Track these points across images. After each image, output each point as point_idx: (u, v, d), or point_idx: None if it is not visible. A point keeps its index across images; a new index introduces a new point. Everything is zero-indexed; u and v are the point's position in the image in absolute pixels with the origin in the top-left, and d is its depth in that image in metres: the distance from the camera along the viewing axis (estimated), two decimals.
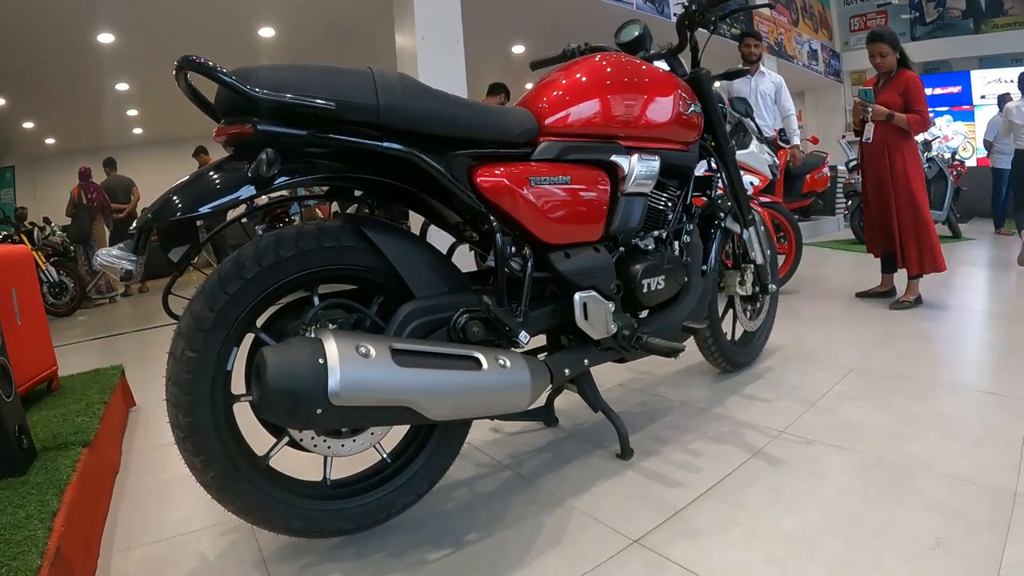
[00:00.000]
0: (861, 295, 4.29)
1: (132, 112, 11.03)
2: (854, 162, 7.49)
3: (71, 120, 10.57)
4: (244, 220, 1.85)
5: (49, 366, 2.70)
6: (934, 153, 7.80)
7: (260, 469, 1.48)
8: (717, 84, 2.50)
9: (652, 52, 2.29)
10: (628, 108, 1.96)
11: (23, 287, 2.59)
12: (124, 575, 1.59)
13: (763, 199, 4.24)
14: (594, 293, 1.85)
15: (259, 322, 1.50)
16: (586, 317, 1.83)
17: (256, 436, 1.52)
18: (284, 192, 1.68)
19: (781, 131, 5.95)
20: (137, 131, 12.37)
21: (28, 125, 10.86)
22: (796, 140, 5.57)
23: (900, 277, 4.08)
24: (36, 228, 7.62)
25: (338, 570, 1.54)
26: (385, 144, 1.42)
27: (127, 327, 5.66)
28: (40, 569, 1.28)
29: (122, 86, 9.16)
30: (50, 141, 12.09)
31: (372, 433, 1.55)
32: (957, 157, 9.30)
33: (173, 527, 1.80)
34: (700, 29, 2.32)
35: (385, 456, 1.66)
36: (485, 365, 1.45)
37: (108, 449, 2.25)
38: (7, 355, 1.98)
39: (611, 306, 1.90)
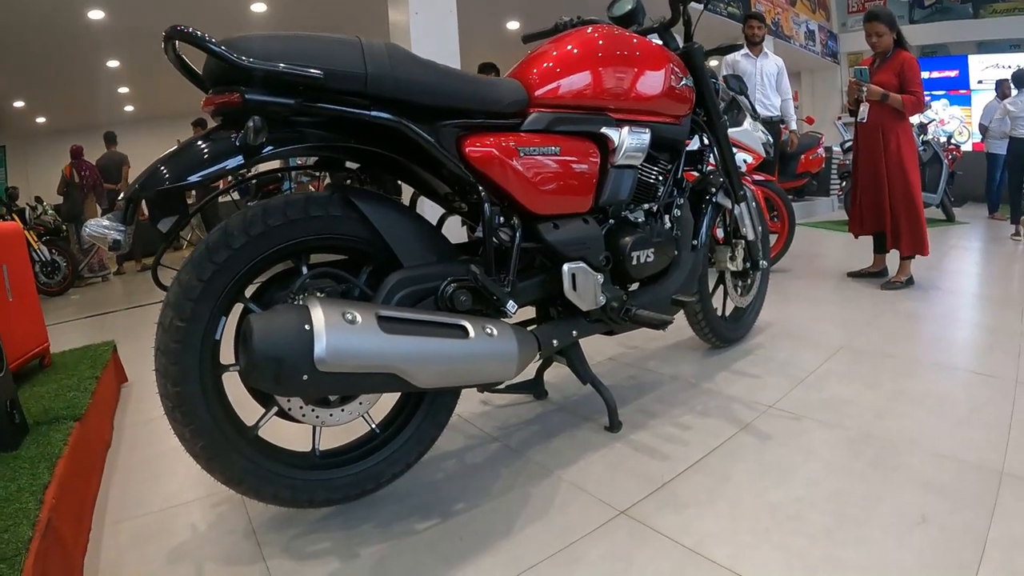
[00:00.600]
0: (853, 275, 4.28)
1: (123, 89, 10.94)
2: (849, 143, 7.47)
3: (62, 98, 10.46)
4: (236, 197, 1.84)
5: (41, 343, 2.69)
6: (930, 136, 7.78)
7: (249, 439, 1.49)
8: (713, 62, 2.49)
9: (645, 26, 2.28)
10: (619, 80, 1.95)
11: (14, 264, 2.57)
12: (116, 547, 1.59)
13: (756, 177, 4.24)
14: (583, 264, 1.85)
15: (247, 292, 1.50)
16: (574, 288, 1.83)
17: (245, 407, 1.53)
18: (276, 164, 1.67)
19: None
20: (128, 108, 12.27)
21: (19, 104, 10.76)
22: (793, 124, 5.60)
23: (892, 258, 4.08)
24: (28, 207, 7.59)
25: (326, 540, 1.55)
26: (373, 113, 1.42)
27: (119, 305, 5.64)
28: (31, 540, 1.28)
29: (113, 63, 9.08)
30: (41, 120, 11.99)
31: (360, 403, 1.55)
32: (953, 141, 9.28)
33: (164, 499, 1.81)
34: (693, 3, 2.31)
35: (374, 427, 1.67)
36: (472, 333, 1.45)
37: (100, 423, 2.26)
38: None
39: (600, 278, 1.90)
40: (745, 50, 5.43)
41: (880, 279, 4.09)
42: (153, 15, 6.71)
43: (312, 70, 1.31)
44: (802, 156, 6.01)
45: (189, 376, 1.37)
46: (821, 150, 6.31)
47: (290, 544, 1.55)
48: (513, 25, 9.29)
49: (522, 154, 1.70)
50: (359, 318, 1.28)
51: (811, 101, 13.28)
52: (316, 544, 1.54)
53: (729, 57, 5.46)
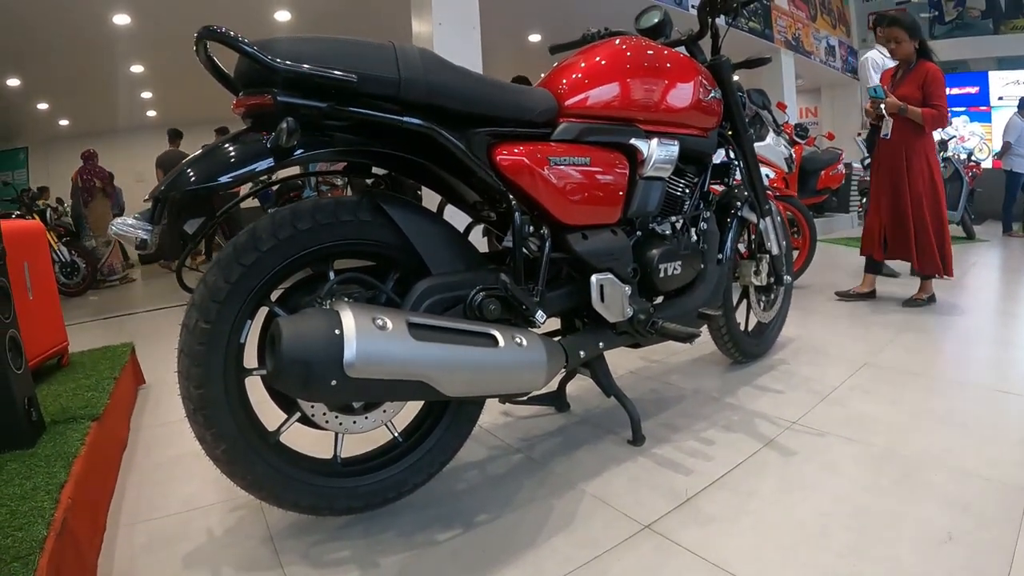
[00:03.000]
0: (841, 296, 4.12)
1: (146, 95, 11.02)
2: (869, 159, 7.42)
3: (85, 102, 10.54)
4: (261, 205, 1.83)
5: (60, 342, 2.70)
6: (950, 153, 7.72)
7: (271, 444, 1.48)
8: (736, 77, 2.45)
9: (672, 38, 2.27)
10: (648, 92, 1.94)
11: (35, 262, 2.59)
12: (131, 549, 1.58)
13: (778, 193, 4.21)
14: (611, 276, 1.84)
15: (273, 297, 1.49)
16: (602, 299, 1.82)
17: (267, 414, 1.52)
18: (296, 169, 1.66)
19: (797, 126, 5.90)
20: (151, 114, 12.36)
21: (42, 106, 10.86)
22: None
23: (901, 278, 4.02)
24: (49, 208, 7.64)
25: (346, 548, 1.54)
26: (405, 119, 1.41)
27: (138, 307, 5.67)
28: (46, 540, 1.27)
29: (136, 68, 9.15)
30: (64, 123, 12.09)
31: (384, 411, 1.54)
32: (973, 158, 9.21)
33: (181, 503, 1.80)
34: (721, 16, 2.30)
35: (396, 435, 1.66)
36: (502, 343, 1.44)
37: (117, 424, 2.25)
38: (19, 328, 1.98)
39: (628, 289, 1.89)
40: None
41: (870, 300, 4.02)
42: (177, 21, 6.78)
43: (345, 73, 1.30)
44: (822, 172, 5.95)
45: (212, 379, 1.36)
46: (841, 166, 6.24)
47: (309, 551, 1.53)
48: (535, 38, 9.33)
49: (552, 163, 1.69)
50: (390, 324, 1.27)
51: (831, 117, 13.27)
52: (336, 552, 1.52)
53: (879, 58, 4.94)
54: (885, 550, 1.41)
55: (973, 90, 12.16)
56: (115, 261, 8.04)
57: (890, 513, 1.56)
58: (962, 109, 12.10)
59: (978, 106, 12.15)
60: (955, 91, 12.08)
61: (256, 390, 1.48)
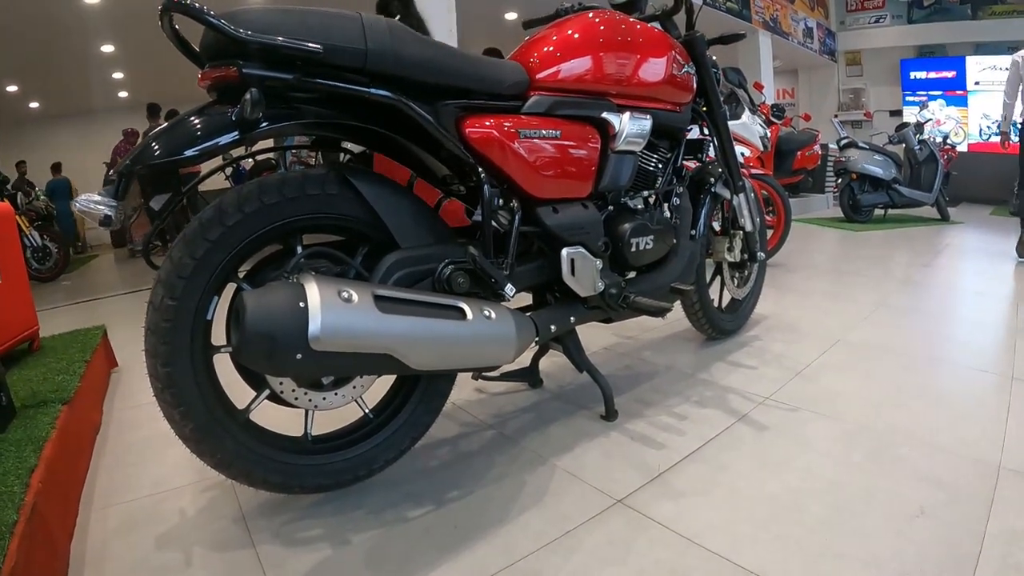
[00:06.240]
0: None
1: (117, 75, 10.84)
2: (845, 140, 7.48)
3: (56, 83, 10.36)
4: (228, 176, 1.81)
5: (30, 326, 2.66)
6: (926, 136, 7.80)
7: (240, 422, 1.46)
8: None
9: (647, 13, 2.26)
10: (620, 65, 1.93)
11: (4, 245, 2.54)
12: (103, 533, 1.57)
13: (754, 171, 4.22)
14: (582, 249, 1.84)
15: (240, 272, 1.47)
16: (573, 273, 1.82)
17: (237, 391, 1.50)
18: (269, 143, 1.64)
19: (774, 106, 5.92)
20: (123, 94, 12.15)
21: (11, 88, 10.65)
22: None
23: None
24: (19, 193, 7.52)
25: (318, 526, 1.53)
26: (372, 90, 1.39)
27: (112, 291, 5.60)
28: (16, 524, 1.25)
29: (107, 48, 9.00)
30: (34, 105, 11.87)
31: (354, 386, 1.53)
32: (948, 142, 9.28)
33: (153, 484, 1.78)
34: None
35: (367, 411, 1.65)
36: (470, 315, 1.43)
37: (89, 408, 2.23)
38: None
39: (599, 263, 1.89)
40: None
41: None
42: None
43: (311, 44, 1.28)
44: (798, 153, 5.99)
45: (179, 356, 1.34)
46: (817, 147, 6.28)
47: (281, 530, 1.52)
48: (511, 16, 9.25)
49: (522, 136, 1.68)
50: (355, 296, 1.26)
51: (808, 98, 13.34)
52: (307, 530, 1.52)
53: None
54: (857, 524, 1.43)
55: (950, 74, 12.22)
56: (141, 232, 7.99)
57: (862, 488, 1.58)
58: (939, 93, 12.20)
59: (954, 90, 12.23)
60: (932, 75, 12.19)
61: (226, 369, 1.47)
